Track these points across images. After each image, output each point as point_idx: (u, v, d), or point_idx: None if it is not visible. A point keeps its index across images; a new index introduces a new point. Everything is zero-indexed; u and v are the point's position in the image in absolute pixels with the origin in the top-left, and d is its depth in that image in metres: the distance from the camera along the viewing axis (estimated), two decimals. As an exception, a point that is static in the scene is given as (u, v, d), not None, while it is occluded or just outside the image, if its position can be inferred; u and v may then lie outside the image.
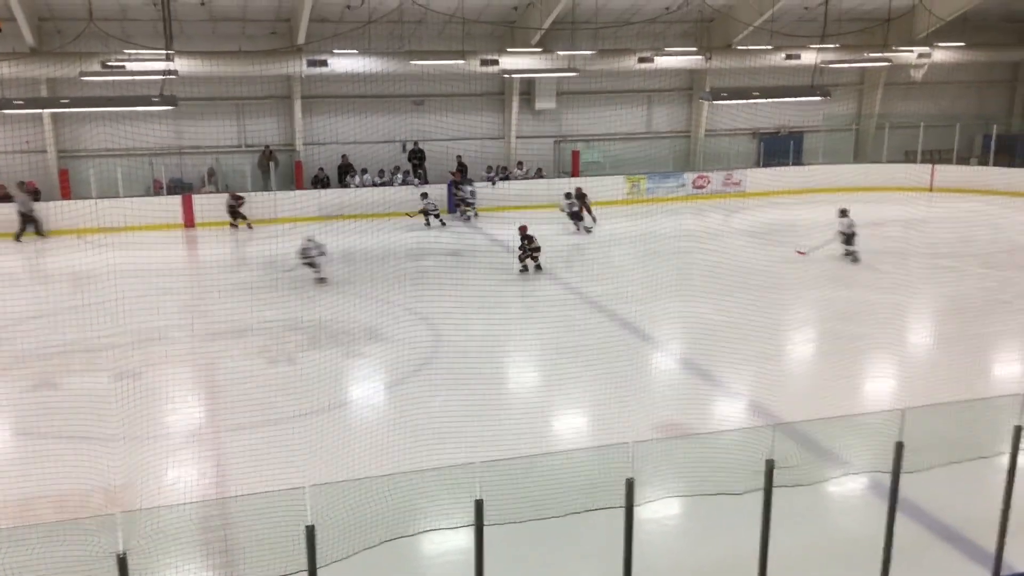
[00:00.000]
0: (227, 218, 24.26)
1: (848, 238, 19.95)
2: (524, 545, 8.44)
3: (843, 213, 20.13)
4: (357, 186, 26.69)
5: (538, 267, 19.37)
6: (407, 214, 24.89)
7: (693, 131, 31.15)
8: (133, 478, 9.81)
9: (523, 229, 19.34)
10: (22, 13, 21.74)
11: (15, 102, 14.21)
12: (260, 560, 6.69)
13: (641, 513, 8.37)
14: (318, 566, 5.96)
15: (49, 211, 23.33)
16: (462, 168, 27.57)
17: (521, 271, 19.24)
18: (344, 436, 10.91)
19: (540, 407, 12.39)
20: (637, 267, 18.07)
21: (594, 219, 23.98)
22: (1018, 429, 7.10)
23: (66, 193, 24.34)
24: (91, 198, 23.63)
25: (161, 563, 7.50)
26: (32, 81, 22.94)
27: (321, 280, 17.98)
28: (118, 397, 11.87)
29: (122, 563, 5.46)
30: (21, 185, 23.44)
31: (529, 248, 19.42)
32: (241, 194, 24.74)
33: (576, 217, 23.62)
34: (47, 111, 23.74)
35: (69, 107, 17.84)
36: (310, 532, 5.85)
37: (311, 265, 17.82)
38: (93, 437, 10.79)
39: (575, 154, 29.87)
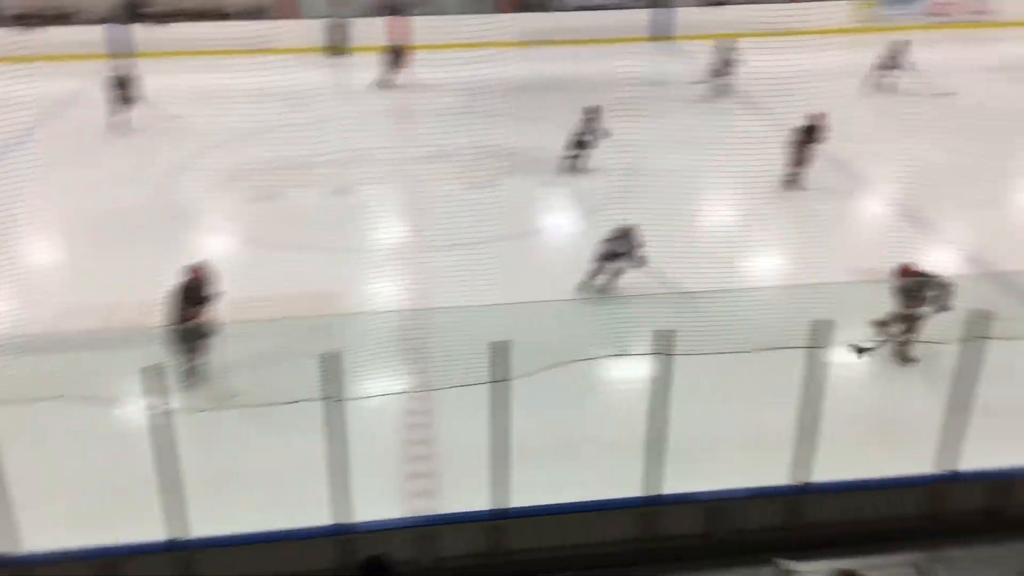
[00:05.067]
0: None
1: None
2: (709, 377, 8.47)
3: None
4: (566, 9, 25.66)
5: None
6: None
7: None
8: (344, 286, 10.58)
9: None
10: None
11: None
12: (451, 369, 7.12)
13: (830, 357, 8.16)
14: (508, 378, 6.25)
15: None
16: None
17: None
18: (535, 262, 11.17)
19: (735, 243, 12.09)
20: (856, 103, 16.73)
21: None
22: None
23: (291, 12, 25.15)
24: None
25: (368, 364, 8.17)
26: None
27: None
28: (331, 212, 12.68)
29: (330, 360, 5.92)
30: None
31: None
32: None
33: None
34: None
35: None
36: (500, 347, 6.09)
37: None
38: (309, 247, 11.66)
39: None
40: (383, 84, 20.47)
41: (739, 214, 13.30)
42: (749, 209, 13.22)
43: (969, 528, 6.58)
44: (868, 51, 19.75)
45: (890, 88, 18.77)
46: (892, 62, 19.05)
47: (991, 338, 6.25)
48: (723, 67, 19.00)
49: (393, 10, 25.70)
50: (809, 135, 13.57)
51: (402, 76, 20.42)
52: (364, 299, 10.48)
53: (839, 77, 17.63)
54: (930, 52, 21.55)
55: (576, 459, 7.77)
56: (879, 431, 8.29)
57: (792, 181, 13.72)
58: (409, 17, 25.37)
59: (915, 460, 6.75)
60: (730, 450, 7.89)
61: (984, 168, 13.93)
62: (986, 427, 6.90)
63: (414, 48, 21.96)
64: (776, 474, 6.66)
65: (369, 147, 15.58)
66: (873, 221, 13.04)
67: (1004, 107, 17.37)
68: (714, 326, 7.56)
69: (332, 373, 5.91)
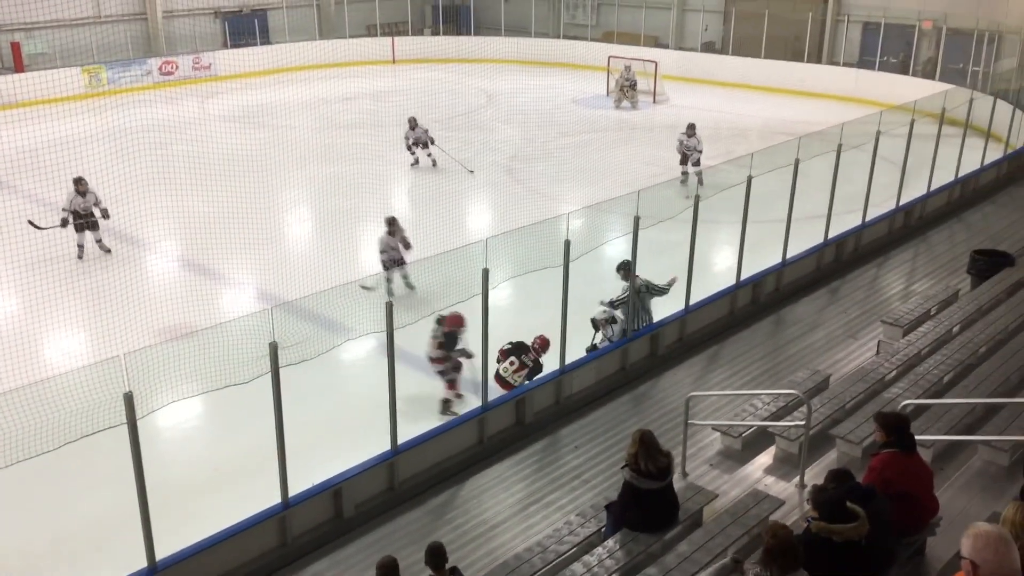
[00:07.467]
0: None
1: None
2: (28, 487, 7.64)
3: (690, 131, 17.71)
4: None
5: None
6: None
7: (150, 13, 28.78)
8: None
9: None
10: None
11: None
12: None
13: (155, 423, 8.03)
14: None
15: None
16: None
17: None
18: None
19: (18, 336, 11.03)
20: (111, 167, 16.46)
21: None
22: (485, 272, 8.02)
23: None
24: None
25: None
26: None
27: None
28: None
29: None
30: None
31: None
32: None
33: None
34: None
35: None
36: None
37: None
38: None
39: (15, 46, 25.95)
40: None
41: (17, 303, 12.15)
42: (25, 295, 12.18)
43: (314, 546, 7.12)
44: (110, 115, 19.63)
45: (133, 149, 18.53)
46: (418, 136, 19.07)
47: (289, 365, 6.80)
48: None
49: None
50: None
51: None
52: None
53: (82, 144, 17.04)
54: (166, 109, 22.39)
55: None
56: (221, 481, 8.47)
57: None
58: None
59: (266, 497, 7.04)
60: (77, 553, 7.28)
61: (245, 210, 15.00)
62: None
63: None
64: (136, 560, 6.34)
65: None
66: (166, 279, 13.09)
67: (241, 151, 18.65)
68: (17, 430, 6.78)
69: None
